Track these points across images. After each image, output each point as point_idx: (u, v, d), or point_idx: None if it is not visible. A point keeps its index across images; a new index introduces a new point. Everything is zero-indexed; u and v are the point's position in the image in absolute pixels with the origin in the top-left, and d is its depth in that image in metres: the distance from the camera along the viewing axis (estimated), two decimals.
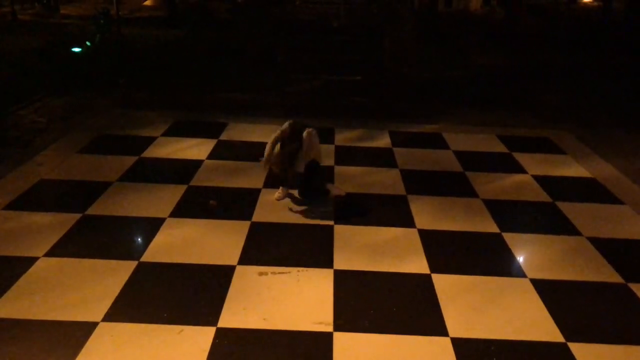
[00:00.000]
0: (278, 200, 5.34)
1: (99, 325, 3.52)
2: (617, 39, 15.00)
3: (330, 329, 3.60)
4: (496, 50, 13.86)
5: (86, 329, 3.48)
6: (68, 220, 4.79)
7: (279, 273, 4.18)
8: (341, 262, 4.36)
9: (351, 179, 5.96)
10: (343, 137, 7.27)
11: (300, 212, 5.12)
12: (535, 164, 6.62)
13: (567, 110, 8.85)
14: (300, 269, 4.24)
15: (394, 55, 8.96)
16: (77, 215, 4.88)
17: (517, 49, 13.82)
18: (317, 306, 3.81)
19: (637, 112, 8.96)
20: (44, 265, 4.13)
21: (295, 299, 3.89)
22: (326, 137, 6.98)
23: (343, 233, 4.78)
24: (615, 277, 4.33)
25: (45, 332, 3.44)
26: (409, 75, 9.11)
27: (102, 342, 3.38)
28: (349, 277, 4.18)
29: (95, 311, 3.64)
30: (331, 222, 4.97)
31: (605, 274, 4.38)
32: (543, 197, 5.75)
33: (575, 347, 3.53)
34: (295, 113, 7.72)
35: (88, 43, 10.57)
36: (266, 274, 4.16)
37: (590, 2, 28.10)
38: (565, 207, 5.52)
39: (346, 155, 6.64)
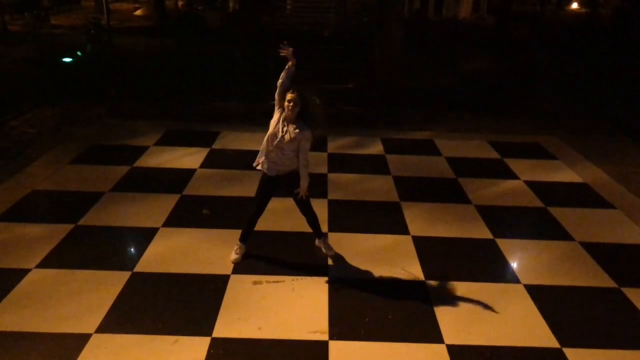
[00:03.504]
0: (235, 262, 4.42)
1: (92, 337, 3.49)
2: (604, 46, 15.18)
3: (325, 337, 3.59)
4: (486, 57, 13.98)
5: (80, 340, 3.45)
6: (60, 231, 4.75)
7: (274, 282, 4.16)
8: (335, 270, 4.36)
9: (344, 187, 5.96)
10: (335, 145, 7.29)
11: (294, 221, 5.12)
12: (527, 170, 6.66)
13: (557, 116, 8.93)
14: (295, 277, 4.23)
15: (385, 63, 9.03)
16: (70, 226, 4.85)
17: (506, 56, 13.95)
18: (312, 315, 3.81)
19: (626, 118, 9.05)
20: (37, 277, 4.09)
21: (290, 308, 3.88)
22: (319, 145, 6.99)
23: (337, 241, 4.77)
24: (608, 282, 4.36)
25: (38, 344, 3.41)
26: (399, 83, 9.18)
27: (96, 353, 3.36)
28: (343, 285, 4.17)
29: (88, 323, 3.62)
30: (325, 230, 4.97)
31: (598, 278, 4.41)
32: (535, 202, 5.79)
33: (570, 353, 3.54)
34: None
35: (79, 53, 10.57)
36: (261, 282, 4.15)
37: (577, 9, 28.47)
38: (557, 212, 5.56)
39: (339, 163, 6.65)
